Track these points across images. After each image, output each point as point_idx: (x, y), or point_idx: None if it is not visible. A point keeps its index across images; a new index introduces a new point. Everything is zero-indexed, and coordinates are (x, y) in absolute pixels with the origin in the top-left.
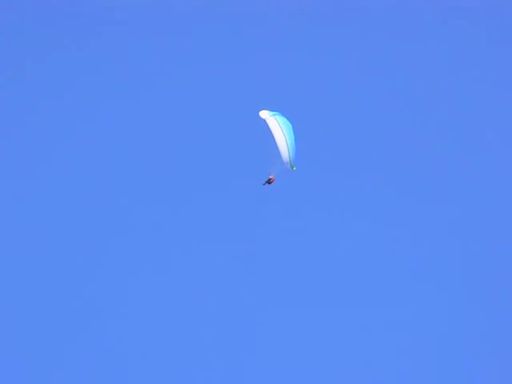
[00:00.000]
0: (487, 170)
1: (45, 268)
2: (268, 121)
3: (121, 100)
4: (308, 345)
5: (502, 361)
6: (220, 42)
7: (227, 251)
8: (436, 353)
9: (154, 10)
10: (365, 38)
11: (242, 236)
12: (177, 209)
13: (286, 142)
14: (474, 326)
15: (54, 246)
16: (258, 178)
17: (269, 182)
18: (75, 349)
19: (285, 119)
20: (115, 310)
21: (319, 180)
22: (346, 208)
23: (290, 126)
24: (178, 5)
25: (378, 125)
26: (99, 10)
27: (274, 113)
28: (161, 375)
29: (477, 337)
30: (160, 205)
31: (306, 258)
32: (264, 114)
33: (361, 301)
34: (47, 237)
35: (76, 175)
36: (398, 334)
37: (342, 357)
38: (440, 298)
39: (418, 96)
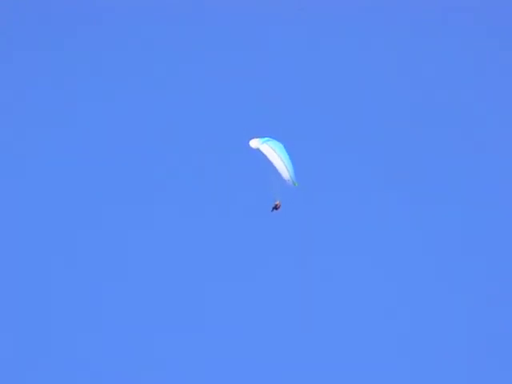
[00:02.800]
0: (493, 173)
1: (42, 268)
2: (261, 148)
3: (116, 102)
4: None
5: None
6: (219, 42)
7: (227, 256)
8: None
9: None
10: (365, 38)
11: (241, 237)
12: (177, 217)
13: (284, 162)
14: (476, 328)
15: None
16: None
17: (276, 207)
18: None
19: (275, 141)
20: (113, 310)
21: (320, 181)
22: (347, 210)
23: (282, 145)
24: (177, 4)
25: (379, 125)
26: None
27: (264, 139)
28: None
29: (479, 338)
30: (158, 207)
31: (309, 260)
32: (254, 143)
33: (362, 304)
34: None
35: (73, 174)
36: (399, 335)
37: (344, 361)
38: (442, 301)
39: (418, 96)
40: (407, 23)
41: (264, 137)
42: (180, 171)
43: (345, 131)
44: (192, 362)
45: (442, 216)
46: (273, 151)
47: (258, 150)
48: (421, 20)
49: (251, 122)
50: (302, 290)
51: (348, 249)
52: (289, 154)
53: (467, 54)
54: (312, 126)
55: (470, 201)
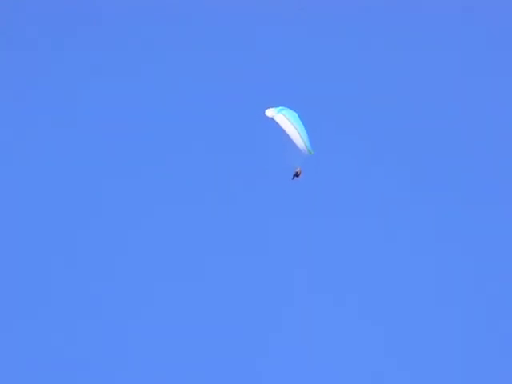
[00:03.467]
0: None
1: (42, 266)
2: (275, 118)
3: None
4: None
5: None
6: (220, 39)
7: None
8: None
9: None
10: (365, 38)
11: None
12: (185, 209)
13: (298, 131)
14: (479, 328)
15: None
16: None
17: (297, 175)
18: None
19: (290, 110)
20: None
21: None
22: (349, 210)
23: (296, 114)
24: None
25: (379, 124)
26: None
27: (279, 108)
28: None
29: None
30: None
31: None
32: (270, 112)
33: (363, 301)
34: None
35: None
36: (401, 335)
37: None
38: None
39: (419, 94)
40: (408, 22)
41: (278, 106)
42: (179, 169)
43: (345, 130)
44: (191, 362)
45: (447, 216)
46: (287, 120)
47: (272, 120)
48: (422, 19)
49: (250, 120)
50: (303, 291)
51: (351, 250)
52: (304, 123)
53: (469, 52)
54: (312, 124)
55: (476, 201)
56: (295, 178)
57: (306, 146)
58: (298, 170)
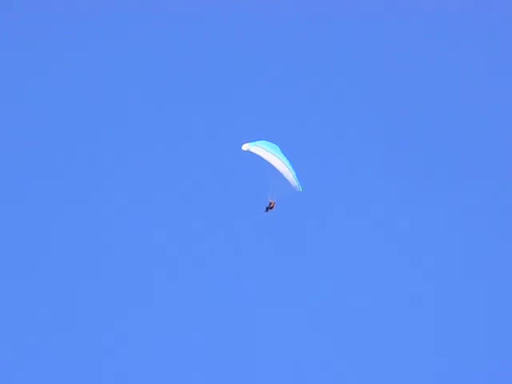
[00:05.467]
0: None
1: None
2: (255, 151)
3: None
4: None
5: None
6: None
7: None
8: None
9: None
10: (365, 36)
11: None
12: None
13: (285, 165)
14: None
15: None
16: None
17: (270, 207)
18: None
19: (271, 144)
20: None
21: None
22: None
23: (279, 148)
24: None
25: (379, 121)
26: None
27: (256, 142)
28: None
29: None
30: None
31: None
32: (246, 146)
33: (361, 301)
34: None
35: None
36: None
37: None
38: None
39: (419, 92)
40: (407, 21)
41: (254, 140)
42: (174, 171)
43: (344, 130)
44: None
45: (447, 217)
46: (273, 155)
47: (251, 154)
48: (423, 17)
49: (248, 122)
50: (303, 292)
51: (350, 248)
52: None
53: (469, 52)
54: (310, 122)
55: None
56: (268, 210)
57: (296, 181)
58: (271, 202)
